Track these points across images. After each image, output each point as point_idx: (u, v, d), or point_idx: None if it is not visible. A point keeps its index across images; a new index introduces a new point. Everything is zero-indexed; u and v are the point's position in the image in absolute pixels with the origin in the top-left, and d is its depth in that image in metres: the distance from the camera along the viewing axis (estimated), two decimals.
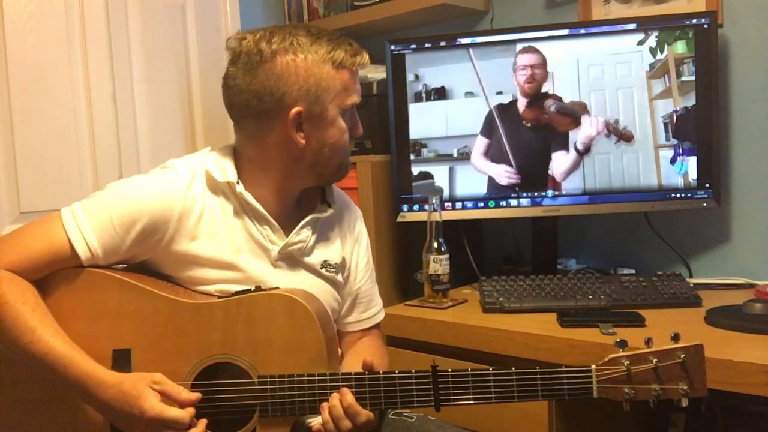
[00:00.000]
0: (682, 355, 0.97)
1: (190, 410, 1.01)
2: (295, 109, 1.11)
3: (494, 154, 1.81)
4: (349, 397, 1.02)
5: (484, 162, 1.82)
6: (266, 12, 2.50)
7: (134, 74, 2.00)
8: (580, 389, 1.00)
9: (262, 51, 1.10)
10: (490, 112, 1.81)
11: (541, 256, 1.88)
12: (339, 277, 1.24)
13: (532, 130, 1.79)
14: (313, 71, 1.11)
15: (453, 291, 1.74)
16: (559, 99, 1.77)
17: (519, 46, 1.79)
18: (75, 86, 1.88)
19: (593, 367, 1.00)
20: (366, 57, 1.18)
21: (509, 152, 1.80)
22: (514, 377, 1.01)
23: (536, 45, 1.78)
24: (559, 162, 1.78)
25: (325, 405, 1.03)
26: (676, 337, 0.98)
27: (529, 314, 1.55)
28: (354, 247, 1.29)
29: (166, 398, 1.01)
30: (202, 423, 1.03)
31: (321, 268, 1.21)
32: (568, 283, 1.64)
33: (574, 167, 1.78)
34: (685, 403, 0.98)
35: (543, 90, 1.78)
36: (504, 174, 1.80)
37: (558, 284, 1.64)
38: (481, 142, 1.83)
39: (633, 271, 1.82)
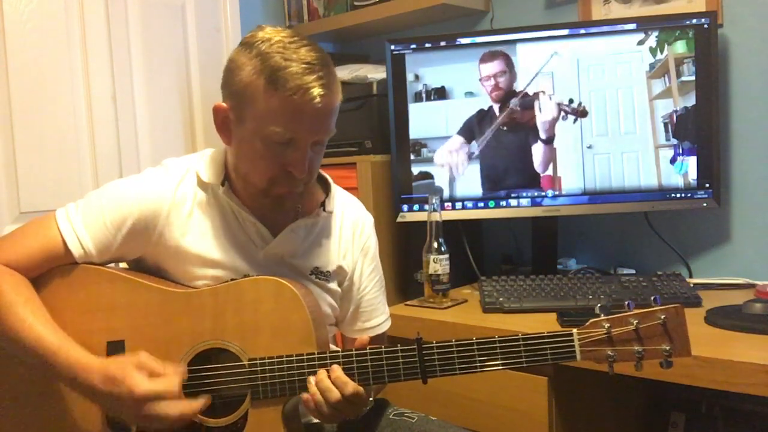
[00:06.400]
0: (663, 316, 0.98)
1: (178, 379, 1.02)
2: (222, 103, 1.10)
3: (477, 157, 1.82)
4: (337, 371, 1.03)
5: (446, 155, 1.83)
6: (266, 12, 2.50)
7: (134, 74, 2.01)
8: (563, 353, 1.01)
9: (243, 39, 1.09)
10: (472, 115, 1.82)
11: (541, 256, 1.88)
12: (332, 285, 1.23)
13: (509, 131, 1.80)
14: (247, 74, 1.04)
15: (453, 291, 1.74)
16: (524, 94, 1.78)
17: (503, 49, 1.80)
18: (75, 86, 1.88)
19: (575, 331, 1.01)
20: (317, 100, 1.01)
21: (493, 156, 1.81)
22: (497, 345, 1.03)
23: (523, 46, 1.78)
24: (535, 155, 1.79)
25: (311, 378, 1.04)
26: (656, 300, 1.00)
27: (529, 314, 1.55)
28: (359, 255, 1.27)
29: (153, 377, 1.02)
30: (200, 400, 1.03)
31: (310, 274, 1.20)
32: (568, 283, 1.64)
33: (547, 158, 1.78)
34: (670, 365, 0.98)
35: (513, 88, 1.80)
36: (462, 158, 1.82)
37: (558, 284, 1.64)
38: (455, 141, 1.83)
39: (633, 271, 1.82)
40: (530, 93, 1.78)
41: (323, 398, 1.02)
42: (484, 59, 1.80)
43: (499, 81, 1.78)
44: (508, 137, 1.80)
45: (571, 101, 1.74)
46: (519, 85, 1.79)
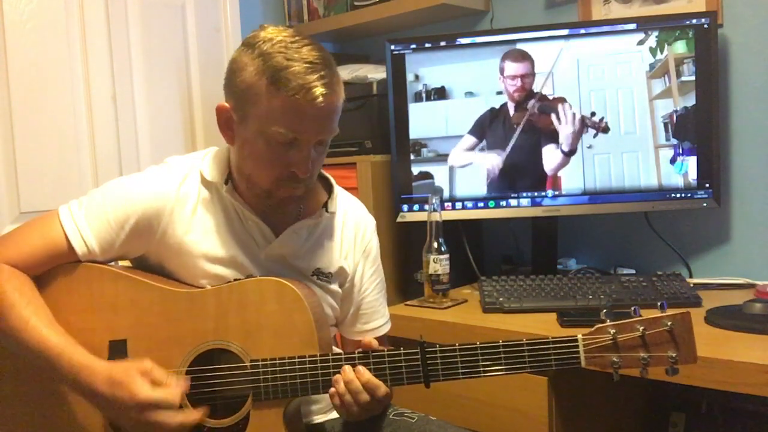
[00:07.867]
0: (669, 323, 0.97)
1: (179, 391, 1.02)
2: (225, 103, 1.10)
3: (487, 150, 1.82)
4: (366, 375, 1.03)
5: (465, 154, 1.83)
6: (266, 12, 2.50)
7: (134, 74, 2.01)
8: (567, 359, 1.00)
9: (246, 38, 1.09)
10: (484, 114, 1.81)
11: (541, 256, 1.88)
12: (333, 286, 1.23)
13: (523, 132, 1.79)
14: (249, 74, 1.03)
15: (453, 291, 1.74)
16: (543, 97, 1.77)
17: (505, 49, 1.79)
18: (75, 86, 1.88)
19: (579, 336, 1.00)
20: (319, 99, 1.01)
21: (502, 154, 1.81)
22: (501, 350, 1.02)
23: (523, 46, 1.78)
24: (549, 158, 1.79)
25: (338, 377, 1.04)
26: (663, 306, 0.98)
27: (529, 314, 1.55)
28: (361, 257, 1.27)
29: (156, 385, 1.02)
30: (198, 411, 1.04)
31: (312, 275, 1.20)
32: (568, 283, 1.64)
33: (562, 164, 1.78)
34: (675, 372, 0.97)
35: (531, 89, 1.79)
36: (495, 162, 1.81)
37: (558, 284, 1.64)
38: (467, 140, 1.83)
39: (633, 271, 1.82)
40: (549, 96, 1.77)
41: (353, 399, 1.03)
42: (513, 58, 1.79)
43: (525, 83, 1.78)
44: (522, 139, 1.80)
45: (593, 114, 1.74)
46: (535, 87, 1.78)
